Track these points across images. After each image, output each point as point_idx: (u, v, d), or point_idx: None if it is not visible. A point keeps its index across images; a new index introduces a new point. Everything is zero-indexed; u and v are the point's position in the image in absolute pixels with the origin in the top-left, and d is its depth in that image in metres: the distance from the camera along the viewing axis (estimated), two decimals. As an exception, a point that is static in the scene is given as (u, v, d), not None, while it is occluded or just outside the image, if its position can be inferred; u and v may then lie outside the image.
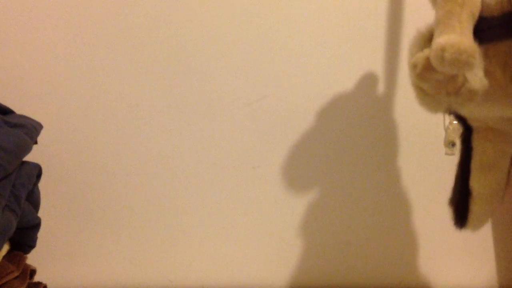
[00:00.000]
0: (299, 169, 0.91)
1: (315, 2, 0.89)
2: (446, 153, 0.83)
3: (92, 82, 0.87)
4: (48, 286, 0.70)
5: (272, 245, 0.93)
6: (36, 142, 0.68)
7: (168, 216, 0.91)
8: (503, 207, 0.63)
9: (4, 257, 0.62)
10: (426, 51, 0.52)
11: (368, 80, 0.91)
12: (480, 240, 0.87)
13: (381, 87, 0.91)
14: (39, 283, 0.69)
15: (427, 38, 0.56)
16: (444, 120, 0.85)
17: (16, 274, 0.61)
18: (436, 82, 0.52)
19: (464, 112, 0.60)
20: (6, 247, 0.63)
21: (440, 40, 0.49)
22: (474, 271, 0.95)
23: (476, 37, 0.51)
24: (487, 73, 0.52)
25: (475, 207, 0.62)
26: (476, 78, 0.52)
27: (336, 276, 0.94)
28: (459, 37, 0.49)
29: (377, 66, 0.90)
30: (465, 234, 0.69)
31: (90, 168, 0.89)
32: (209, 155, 0.90)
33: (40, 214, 0.71)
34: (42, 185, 0.72)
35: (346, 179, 0.92)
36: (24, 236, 0.67)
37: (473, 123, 0.63)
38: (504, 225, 0.67)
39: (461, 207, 0.64)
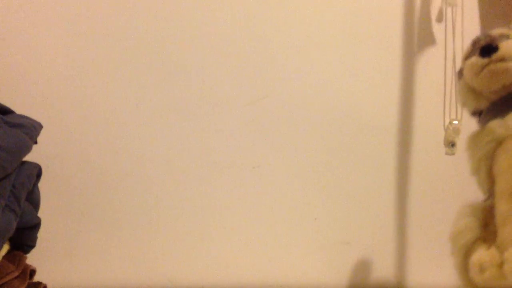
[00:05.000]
0: (299, 169, 0.91)
1: (315, 3, 0.89)
2: (446, 153, 0.83)
3: (92, 82, 0.87)
4: (48, 286, 0.70)
5: (272, 245, 0.93)
6: (36, 142, 0.68)
7: (168, 216, 0.91)
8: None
9: (4, 257, 0.62)
10: (495, 256, 0.49)
11: (368, 80, 0.91)
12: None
13: (381, 87, 0.91)
14: (39, 283, 0.68)
15: (480, 217, 0.55)
16: (444, 120, 0.85)
17: (16, 274, 0.61)
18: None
19: None
20: (6, 247, 0.63)
21: None
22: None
23: None
24: None
25: None
26: None
27: (336, 276, 0.94)
28: None
29: (377, 66, 0.90)
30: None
31: (90, 168, 0.89)
32: (209, 155, 0.90)
33: (40, 214, 0.71)
34: (42, 185, 0.72)
35: (346, 179, 0.92)
36: (24, 236, 0.67)
37: None
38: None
39: None
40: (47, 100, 0.87)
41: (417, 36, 0.91)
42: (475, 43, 0.60)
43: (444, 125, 0.84)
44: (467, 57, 0.61)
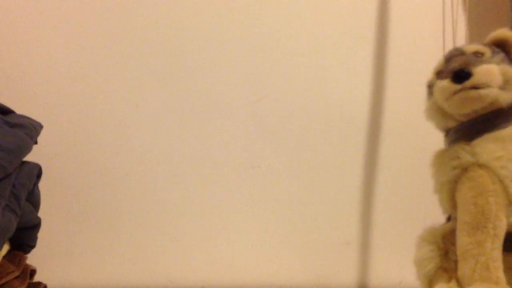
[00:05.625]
0: (299, 169, 0.91)
1: (315, 4, 0.89)
2: None
3: (92, 82, 0.87)
4: (48, 286, 0.70)
5: (272, 245, 0.93)
6: (36, 142, 0.68)
7: (168, 216, 0.91)
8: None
9: (4, 257, 0.62)
10: None
11: (368, 80, 0.91)
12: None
13: (381, 88, 0.91)
14: (39, 283, 0.68)
15: (441, 245, 0.56)
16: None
17: (16, 274, 0.61)
18: None
19: None
20: (6, 247, 0.63)
21: None
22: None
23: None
24: None
25: None
26: None
27: (336, 276, 0.94)
28: None
29: (376, 67, 0.90)
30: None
31: (90, 168, 0.89)
32: (209, 155, 0.90)
33: (40, 214, 0.71)
34: (42, 185, 0.72)
35: (346, 179, 0.92)
36: (24, 236, 0.67)
37: None
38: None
39: None
40: (47, 100, 0.87)
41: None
42: (448, 60, 0.58)
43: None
44: (438, 72, 0.59)
